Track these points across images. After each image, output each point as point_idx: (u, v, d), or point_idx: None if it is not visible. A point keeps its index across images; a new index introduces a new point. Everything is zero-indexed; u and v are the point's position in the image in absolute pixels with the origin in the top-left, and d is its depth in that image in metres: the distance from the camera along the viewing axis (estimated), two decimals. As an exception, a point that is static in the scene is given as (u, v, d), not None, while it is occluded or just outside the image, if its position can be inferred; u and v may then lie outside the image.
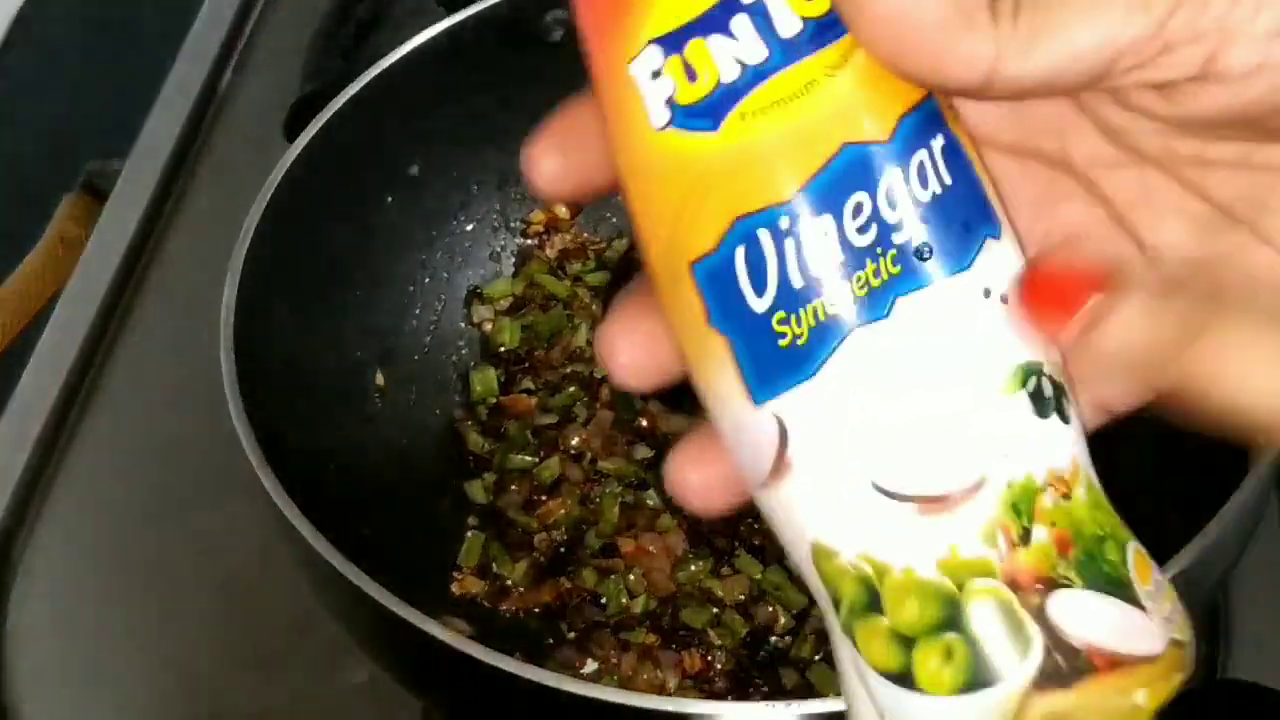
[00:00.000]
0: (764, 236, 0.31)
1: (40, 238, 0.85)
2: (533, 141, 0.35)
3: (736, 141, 0.31)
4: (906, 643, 0.31)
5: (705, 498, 0.35)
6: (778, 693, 0.61)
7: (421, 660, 0.54)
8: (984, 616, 0.31)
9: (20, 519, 0.73)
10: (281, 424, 0.58)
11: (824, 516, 0.32)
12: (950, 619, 0.31)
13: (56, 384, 0.77)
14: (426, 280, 0.73)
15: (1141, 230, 0.35)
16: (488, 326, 0.74)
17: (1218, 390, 0.30)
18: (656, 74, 0.32)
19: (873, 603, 0.31)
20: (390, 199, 0.71)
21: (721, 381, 0.32)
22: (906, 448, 0.31)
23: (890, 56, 0.31)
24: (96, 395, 0.78)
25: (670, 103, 0.32)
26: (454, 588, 0.65)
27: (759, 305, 0.31)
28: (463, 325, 0.74)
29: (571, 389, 0.72)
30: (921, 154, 0.32)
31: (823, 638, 0.62)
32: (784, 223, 0.31)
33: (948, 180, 0.32)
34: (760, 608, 0.63)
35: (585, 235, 0.76)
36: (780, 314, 0.31)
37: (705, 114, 0.31)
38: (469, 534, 0.67)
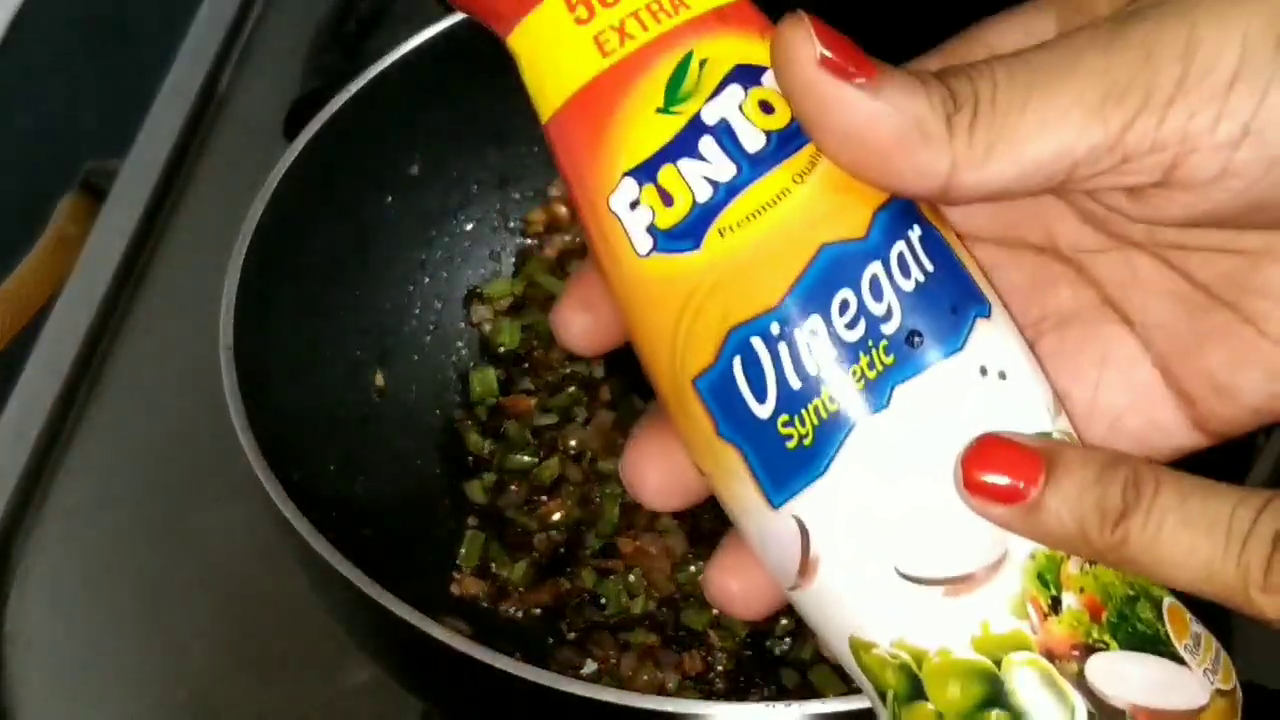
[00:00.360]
0: (758, 345, 0.32)
1: (39, 238, 0.85)
2: (558, 305, 0.36)
3: (719, 257, 0.32)
4: None
5: (748, 604, 0.36)
6: (778, 693, 0.61)
7: (421, 660, 0.54)
8: (1025, 689, 0.31)
9: (20, 519, 0.73)
10: (281, 424, 0.58)
11: (856, 609, 0.33)
12: (993, 696, 0.31)
13: (56, 384, 0.77)
14: (426, 280, 0.73)
15: (1131, 311, 0.36)
16: (488, 326, 0.73)
17: (1149, 566, 0.31)
18: (635, 204, 0.32)
19: (916, 689, 0.32)
20: (390, 199, 0.71)
21: (738, 490, 0.33)
22: (924, 533, 0.32)
23: (851, 168, 0.31)
24: (96, 395, 0.78)
25: (651, 229, 0.32)
26: (454, 588, 0.65)
27: (762, 412, 0.32)
28: (463, 325, 0.74)
29: (571, 389, 0.72)
30: (900, 245, 0.32)
31: (823, 638, 0.62)
32: (775, 329, 0.32)
33: (929, 267, 0.33)
34: (760, 608, 0.63)
35: (585, 235, 0.76)
36: (784, 417, 0.32)
37: (685, 235, 0.32)
38: (469, 534, 0.67)
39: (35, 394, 0.77)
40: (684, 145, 0.32)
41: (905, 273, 0.32)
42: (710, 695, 0.62)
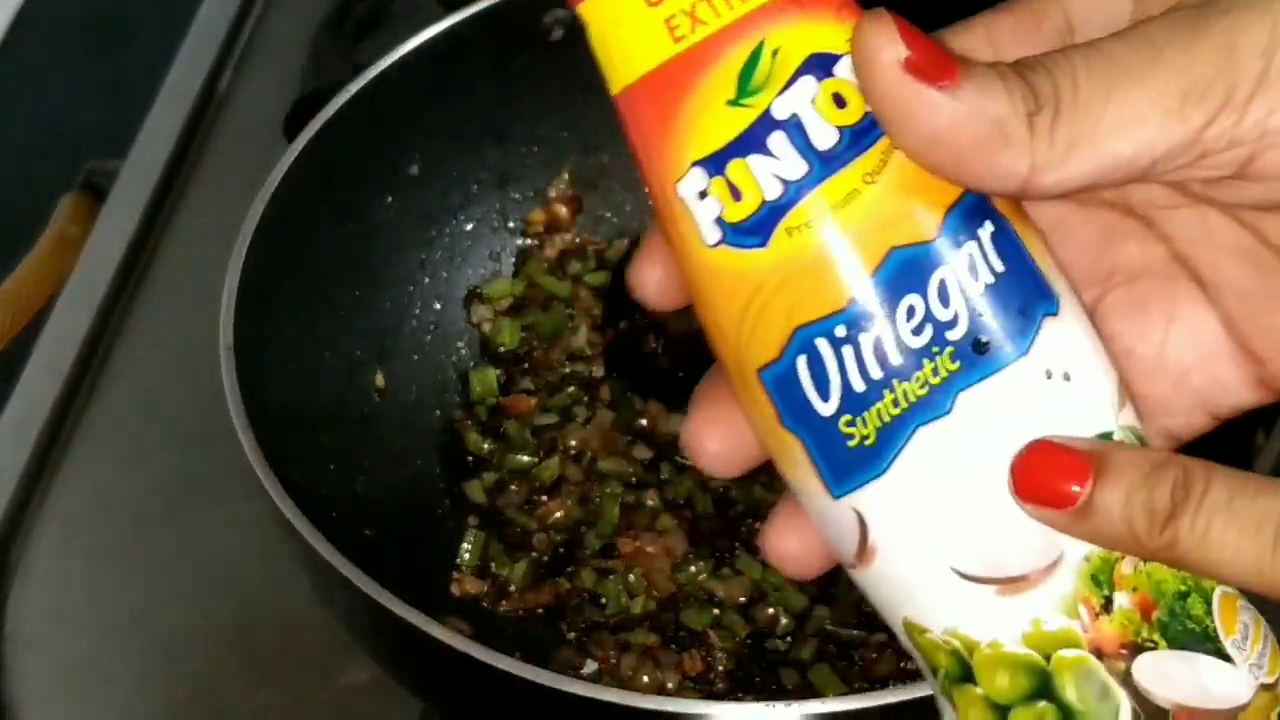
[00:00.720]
0: (823, 345, 0.32)
1: (39, 238, 0.85)
2: (635, 260, 0.36)
3: (786, 256, 0.32)
4: (1002, 710, 0.32)
5: (806, 564, 0.36)
6: (778, 693, 0.61)
7: (421, 660, 0.54)
8: (1072, 685, 0.32)
9: (20, 519, 0.73)
10: (281, 424, 0.58)
11: (910, 597, 0.33)
12: (1040, 688, 0.32)
13: (56, 384, 0.77)
14: (426, 280, 0.73)
15: (1201, 269, 0.36)
16: (487, 326, 0.73)
17: (1199, 564, 0.31)
18: (703, 194, 0.32)
19: (966, 674, 0.32)
20: (390, 199, 0.71)
21: (800, 476, 0.33)
22: (981, 534, 0.32)
23: (930, 168, 0.32)
24: (96, 395, 0.78)
25: (720, 221, 0.32)
26: (454, 588, 0.65)
27: (825, 410, 0.32)
28: (463, 325, 0.74)
29: (571, 389, 0.72)
30: (970, 245, 0.32)
31: (823, 639, 0.62)
32: (840, 331, 0.32)
33: (999, 267, 0.32)
34: (760, 609, 0.63)
35: (585, 235, 0.76)
36: (847, 417, 0.32)
37: (753, 231, 0.32)
38: (469, 534, 0.67)
39: (35, 394, 0.77)
40: (754, 140, 0.32)
41: (974, 275, 0.32)
42: (710, 695, 0.62)
